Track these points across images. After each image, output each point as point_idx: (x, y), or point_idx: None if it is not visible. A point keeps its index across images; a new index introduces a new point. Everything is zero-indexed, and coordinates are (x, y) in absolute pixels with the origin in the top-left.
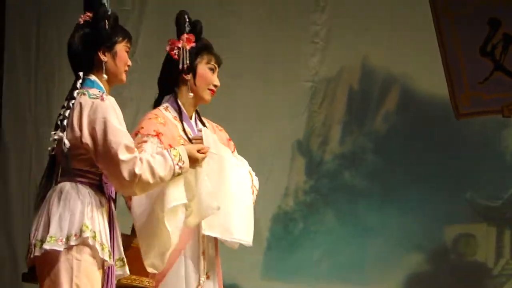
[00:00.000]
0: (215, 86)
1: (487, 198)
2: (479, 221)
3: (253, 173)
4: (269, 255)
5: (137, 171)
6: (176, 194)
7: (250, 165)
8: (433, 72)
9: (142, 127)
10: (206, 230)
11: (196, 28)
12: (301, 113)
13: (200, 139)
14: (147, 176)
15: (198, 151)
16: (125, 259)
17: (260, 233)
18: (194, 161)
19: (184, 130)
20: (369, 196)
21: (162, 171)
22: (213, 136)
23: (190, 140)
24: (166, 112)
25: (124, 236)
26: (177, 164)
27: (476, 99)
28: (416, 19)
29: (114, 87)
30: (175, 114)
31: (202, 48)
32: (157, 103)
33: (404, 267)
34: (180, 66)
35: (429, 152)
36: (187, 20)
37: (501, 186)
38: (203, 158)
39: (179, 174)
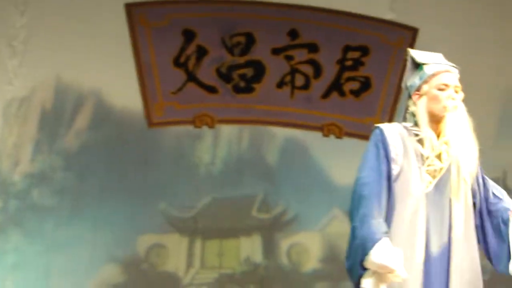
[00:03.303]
0: None
1: (180, 208)
2: (172, 231)
3: None
4: None
5: None
6: None
7: None
8: (129, 85)
9: None
10: None
11: None
12: None
13: None
14: None
15: None
16: None
17: None
18: None
19: None
20: (59, 213)
21: None
22: None
23: None
24: None
25: None
26: None
27: (169, 109)
28: (114, 32)
29: None
30: None
31: None
32: None
33: (98, 279)
34: None
35: (124, 164)
36: None
37: (194, 197)
38: None
39: None
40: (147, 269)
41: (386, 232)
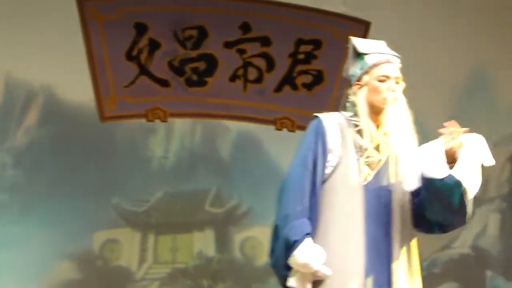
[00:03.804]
0: None
1: (133, 203)
2: (125, 226)
3: None
4: None
5: None
6: None
7: None
8: (80, 79)
9: None
10: None
11: None
12: None
13: None
14: None
15: None
16: None
17: None
18: None
19: None
20: (9, 210)
21: None
22: None
23: None
24: None
25: None
26: None
27: (121, 103)
28: (65, 26)
29: None
30: None
31: None
32: None
33: (52, 276)
34: None
35: (76, 160)
36: None
37: (147, 191)
38: None
39: None
40: (101, 265)
41: (308, 234)
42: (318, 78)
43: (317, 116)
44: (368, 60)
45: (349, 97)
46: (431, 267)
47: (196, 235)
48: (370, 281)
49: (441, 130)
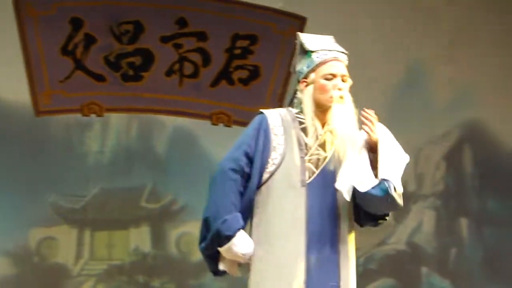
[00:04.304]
0: None
1: (69, 199)
2: (61, 223)
3: None
4: None
5: None
6: None
7: None
8: (15, 74)
9: None
10: None
11: None
12: None
13: None
14: None
15: None
16: None
17: None
18: None
19: None
20: None
21: None
22: None
23: None
24: None
25: None
26: None
27: (56, 98)
28: (0, 21)
29: None
30: None
31: None
32: None
33: None
34: None
35: (11, 155)
36: None
37: (83, 187)
38: None
39: None
40: (38, 262)
41: (240, 228)
42: (255, 73)
43: (262, 112)
44: (315, 57)
45: (296, 93)
46: (367, 263)
47: (132, 231)
48: (313, 277)
49: (361, 117)
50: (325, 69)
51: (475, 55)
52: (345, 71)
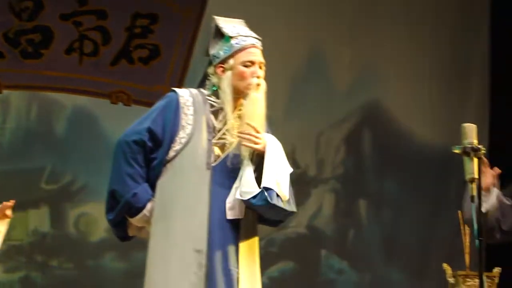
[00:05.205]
0: None
1: None
2: None
3: None
4: None
5: None
6: None
7: None
8: None
9: None
10: None
11: None
12: None
13: None
14: None
15: None
16: None
17: None
18: None
19: None
20: None
21: None
22: None
23: None
24: None
25: None
26: None
27: None
28: None
29: None
30: None
31: None
32: None
33: None
34: None
35: None
36: None
37: None
38: None
39: None
40: None
41: (149, 199)
42: (155, 52)
43: (174, 91)
44: (234, 43)
45: (209, 76)
46: (268, 246)
47: (31, 212)
48: (214, 257)
49: (239, 135)
50: (244, 56)
51: (376, 37)
52: (262, 59)
